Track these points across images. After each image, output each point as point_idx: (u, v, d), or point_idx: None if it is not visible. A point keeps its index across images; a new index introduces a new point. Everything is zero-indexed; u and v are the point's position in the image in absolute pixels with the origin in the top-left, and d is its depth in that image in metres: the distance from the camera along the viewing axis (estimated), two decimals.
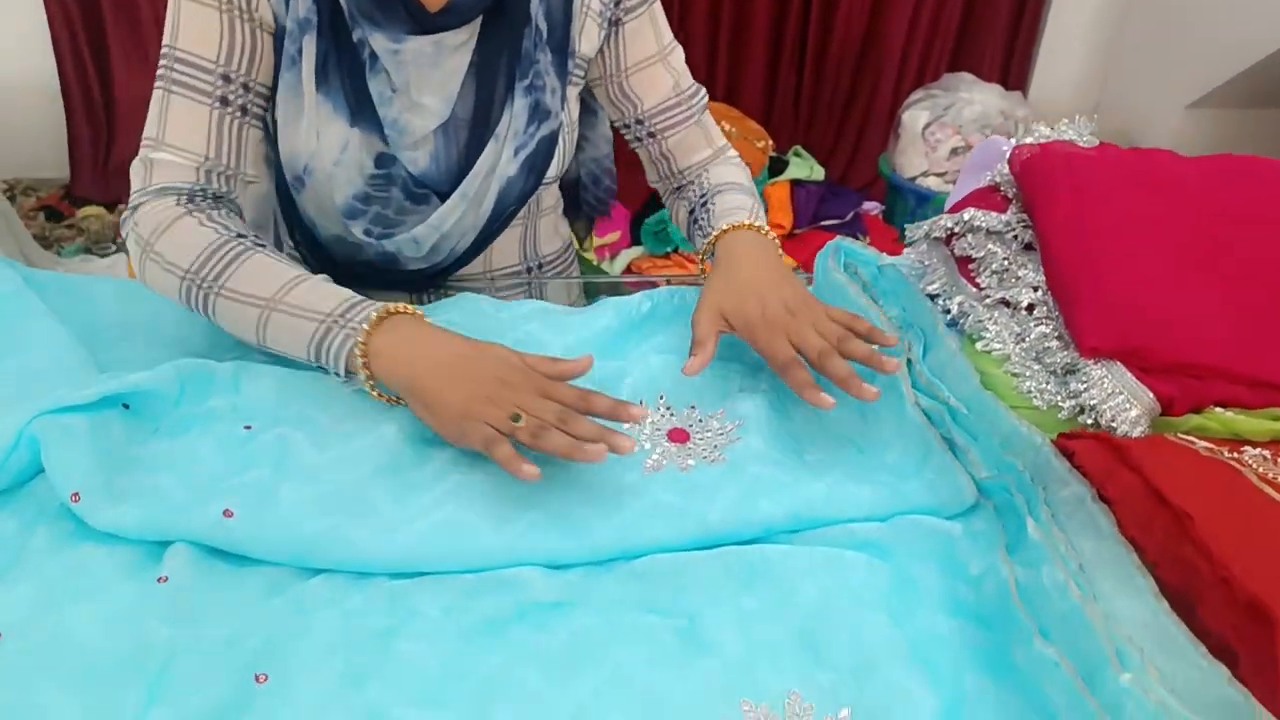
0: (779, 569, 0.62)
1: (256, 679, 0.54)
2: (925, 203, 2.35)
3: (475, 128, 0.88)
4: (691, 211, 0.96)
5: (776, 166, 2.36)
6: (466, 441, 0.67)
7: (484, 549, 0.63)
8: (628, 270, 2.28)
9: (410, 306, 0.73)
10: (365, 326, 0.71)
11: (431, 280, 0.99)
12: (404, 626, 0.59)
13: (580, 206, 1.18)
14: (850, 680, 0.57)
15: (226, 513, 0.62)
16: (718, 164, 0.99)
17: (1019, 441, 0.67)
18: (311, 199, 0.91)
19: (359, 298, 0.74)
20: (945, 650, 0.58)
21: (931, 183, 2.37)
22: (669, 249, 2.26)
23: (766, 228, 0.87)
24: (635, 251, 2.28)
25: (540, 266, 1.08)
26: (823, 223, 2.33)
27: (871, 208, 2.49)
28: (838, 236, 0.91)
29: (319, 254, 0.97)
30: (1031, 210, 0.73)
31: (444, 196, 0.90)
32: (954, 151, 2.33)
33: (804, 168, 2.38)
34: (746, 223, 0.86)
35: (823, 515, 0.66)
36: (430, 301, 0.90)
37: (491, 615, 0.59)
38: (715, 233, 0.87)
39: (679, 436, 0.74)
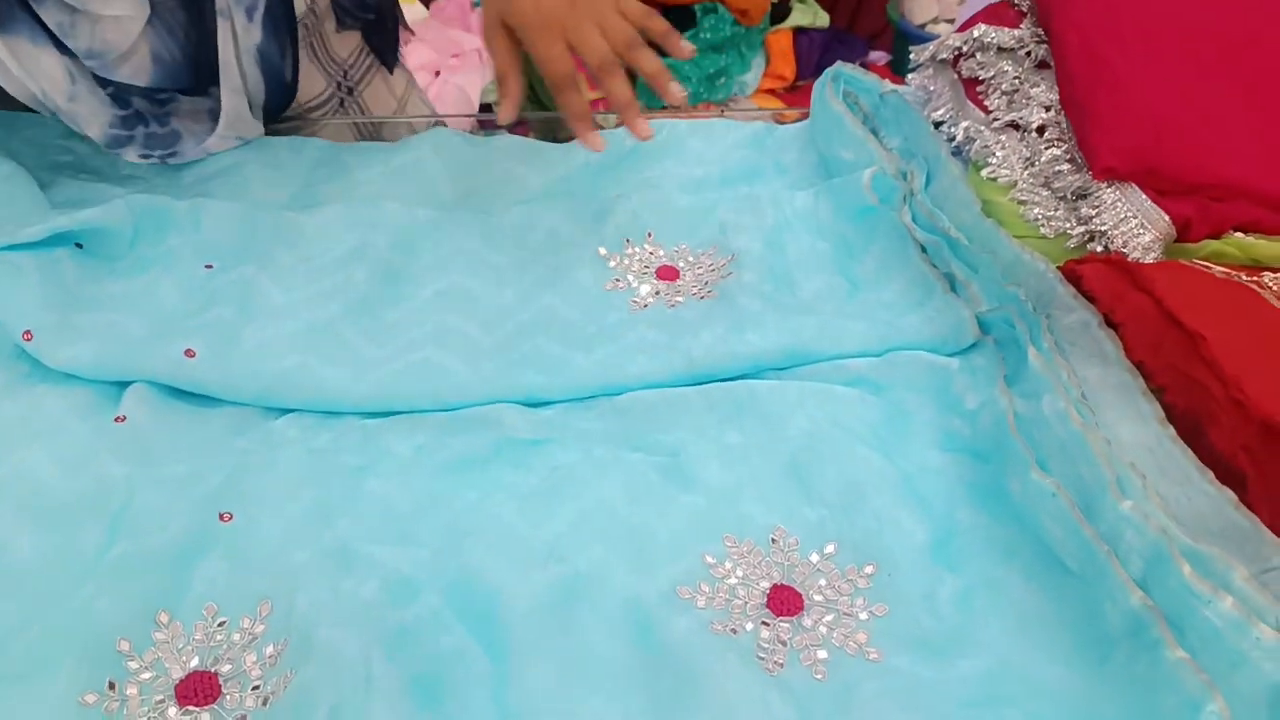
0: (766, 404, 0.59)
1: (220, 517, 0.52)
2: None
3: (187, 8, 0.72)
4: None
5: (778, 13, 2.25)
6: (543, 61, 0.63)
7: (460, 386, 0.60)
8: None
9: None
10: None
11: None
12: (375, 465, 0.56)
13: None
14: (838, 514, 0.55)
15: (188, 352, 0.59)
16: None
17: (1022, 269, 0.64)
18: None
19: None
20: (937, 484, 0.56)
21: (943, 30, 2.25)
22: None
23: None
24: None
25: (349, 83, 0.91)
26: None
27: (878, 58, 2.38)
28: (837, 63, 0.84)
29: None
30: (1047, 18, 0.67)
31: (192, 92, 0.76)
32: None
33: (807, 14, 2.26)
34: None
35: (814, 350, 0.62)
36: None
37: (466, 453, 0.57)
38: None
39: (668, 274, 0.70)
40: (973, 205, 0.69)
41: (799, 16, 2.25)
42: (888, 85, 0.82)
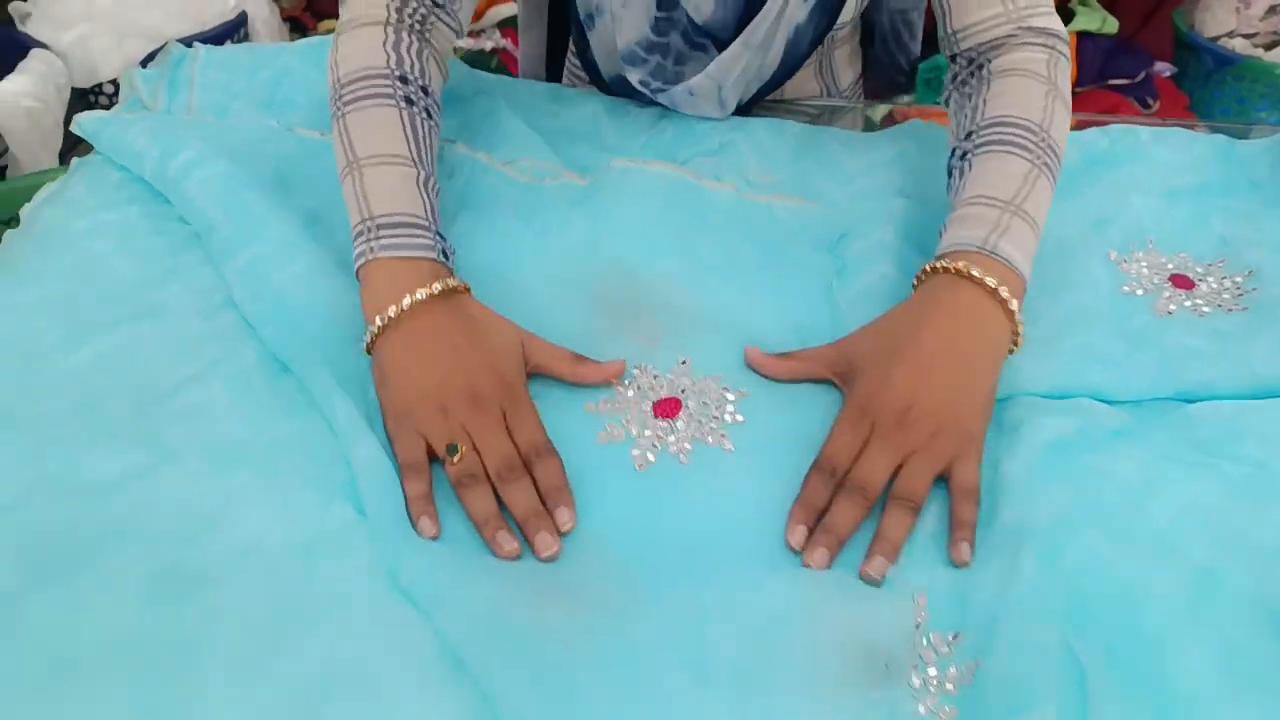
0: None
1: None
2: (1225, 66, 2.16)
3: None
4: (950, 169, 0.71)
5: (1062, 16, 2.19)
6: (394, 444, 0.56)
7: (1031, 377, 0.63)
8: (888, 118, 2.19)
9: (453, 282, 0.60)
10: (382, 254, 0.60)
11: None
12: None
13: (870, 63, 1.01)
14: None
15: None
16: (1013, 50, 0.70)
17: None
18: (598, 39, 0.85)
19: (418, 217, 0.62)
20: None
21: (1237, 45, 2.16)
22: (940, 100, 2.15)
23: (1008, 263, 0.61)
24: (904, 97, 2.18)
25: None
26: (1109, 81, 2.17)
27: (1163, 69, 2.29)
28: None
29: (597, 83, 0.90)
30: None
31: (723, 46, 0.80)
32: (1272, 10, 2.11)
33: (1094, 19, 2.19)
34: (971, 271, 0.59)
35: None
36: None
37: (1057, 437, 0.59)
38: (938, 254, 0.63)
39: (1183, 283, 0.71)
40: None
41: (1085, 20, 2.19)
42: None
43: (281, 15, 2.27)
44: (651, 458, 0.56)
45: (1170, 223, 0.76)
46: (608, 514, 0.53)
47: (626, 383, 0.60)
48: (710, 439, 0.56)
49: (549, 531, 0.52)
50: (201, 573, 0.48)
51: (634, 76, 0.83)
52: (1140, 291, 0.70)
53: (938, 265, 0.62)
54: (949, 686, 0.46)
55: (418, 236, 0.62)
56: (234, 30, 1.96)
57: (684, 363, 0.61)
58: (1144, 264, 0.73)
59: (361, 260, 0.61)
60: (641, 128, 0.84)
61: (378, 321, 0.58)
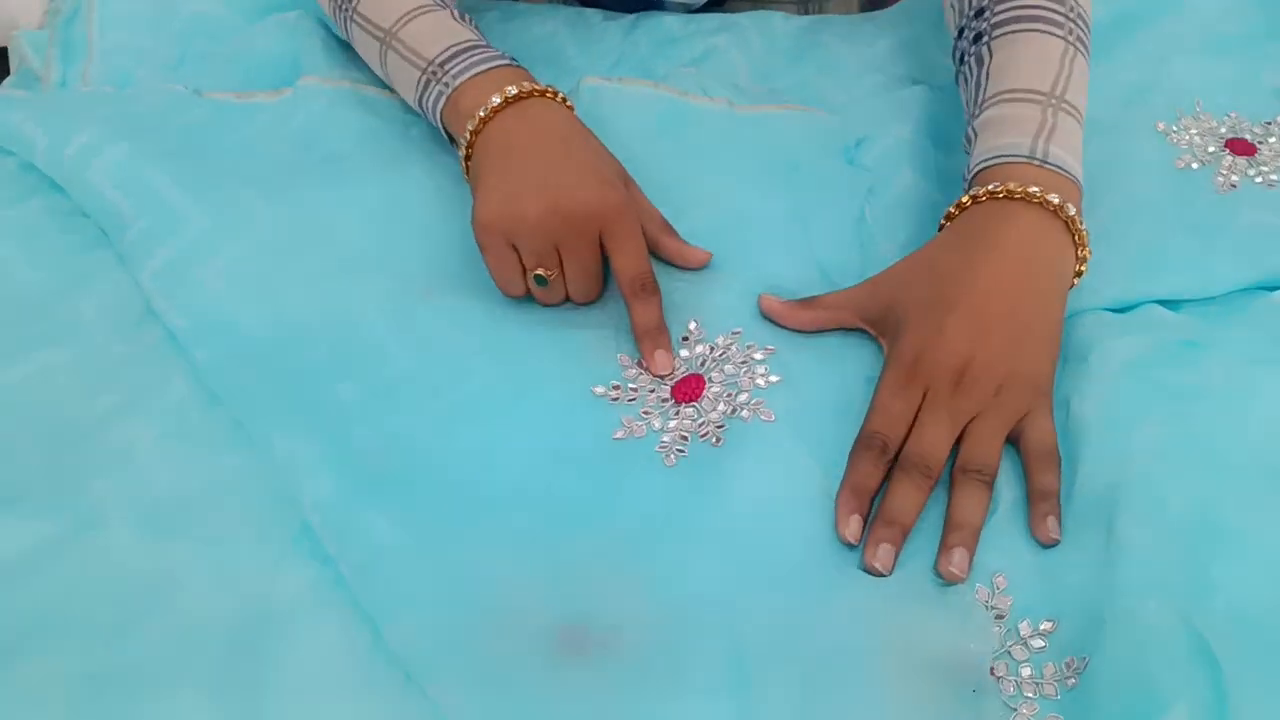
0: None
1: None
2: None
3: None
4: (961, 55, 0.61)
5: None
6: (484, 257, 0.53)
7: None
8: None
9: (542, 88, 0.56)
10: (458, 82, 0.56)
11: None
12: None
13: None
14: None
15: None
16: None
17: None
18: None
19: (472, 39, 0.58)
20: None
21: None
22: None
23: (1062, 171, 0.52)
24: None
25: None
26: None
27: None
28: None
29: None
30: None
31: None
32: None
33: None
34: (1028, 190, 0.50)
35: None
36: None
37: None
38: (975, 168, 0.54)
39: (1242, 148, 0.63)
40: None
41: None
42: None
43: None
44: (682, 450, 0.48)
45: (1217, 81, 0.67)
46: (635, 524, 0.45)
47: (637, 363, 0.52)
48: (745, 413, 0.49)
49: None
50: (137, 668, 0.40)
51: None
52: (1196, 165, 0.63)
53: (983, 190, 0.51)
54: (1049, 690, 0.39)
55: (482, 52, 0.58)
56: None
57: (694, 326, 0.54)
58: (1194, 131, 0.65)
59: (441, 102, 0.57)
60: (611, 44, 0.74)
61: (469, 127, 0.54)
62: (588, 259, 0.52)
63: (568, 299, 0.55)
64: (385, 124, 0.65)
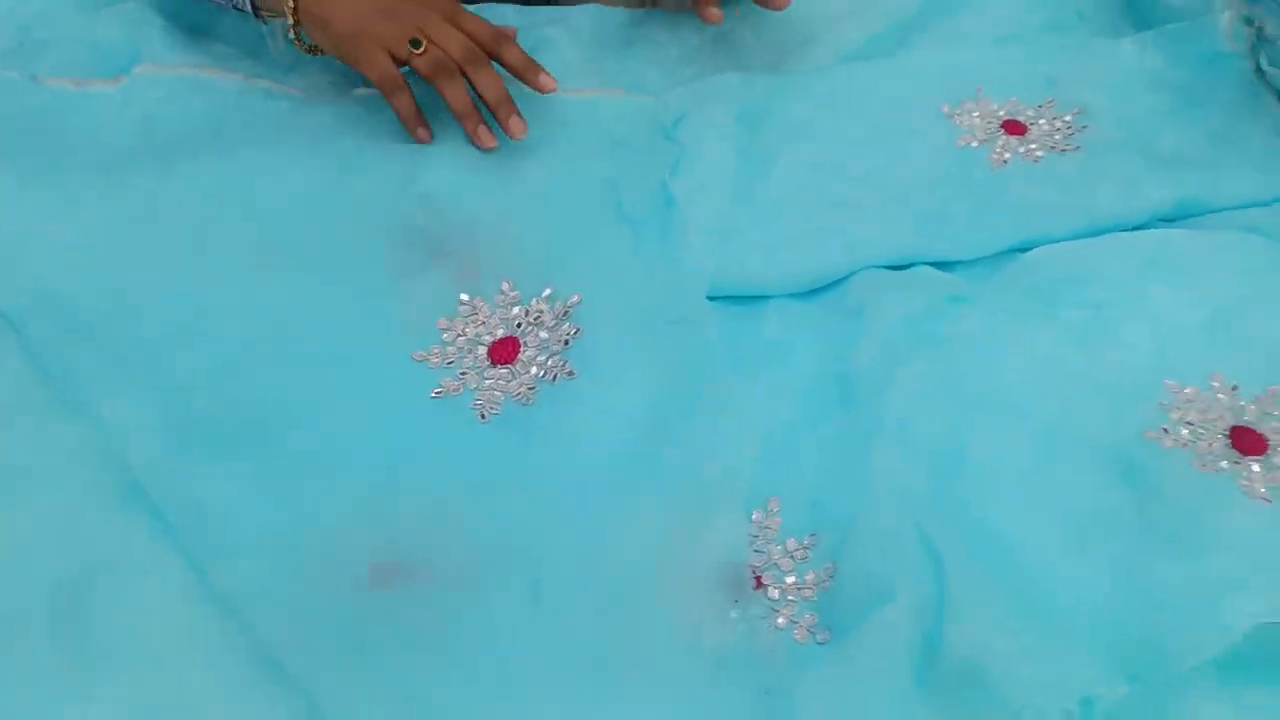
0: (1184, 254, 0.60)
1: None
2: None
3: None
4: None
5: None
6: (360, 66, 0.60)
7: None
8: None
9: None
10: None
11: None
12: None
13: None
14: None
15: None
16: None
17: None
18: None
19: None
20: None
21: None
22: None
23: None
24: None
25: None
26: None
27: None
28: None
29: None
30: None
31: None
32: None
33: None
34: None
35: (1205, 201, 0.63)
36: None
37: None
38: None
39: (1015, 129, 0.70)
40: None
41: None
42: None
43: None
44: (495, 409, 0.53)
45: (999, 68, 0.75)
46: (448, 474, 0.50)
47: (454, 323, 0.56)
48: (553, 375, 0.54)
49: (519, 115, 0.59)
50: None
51: None
52: (975, 143, 0.70)
53: None
54: (808, 593, 0.45)
55: None
56: None
57: (507, 286, 0.58)
58: (976, 114, 0.72)
59: None
60: None
61: None
62: (449, 25, 0.60)
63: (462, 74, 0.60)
64: (222, 109, 0.68)
